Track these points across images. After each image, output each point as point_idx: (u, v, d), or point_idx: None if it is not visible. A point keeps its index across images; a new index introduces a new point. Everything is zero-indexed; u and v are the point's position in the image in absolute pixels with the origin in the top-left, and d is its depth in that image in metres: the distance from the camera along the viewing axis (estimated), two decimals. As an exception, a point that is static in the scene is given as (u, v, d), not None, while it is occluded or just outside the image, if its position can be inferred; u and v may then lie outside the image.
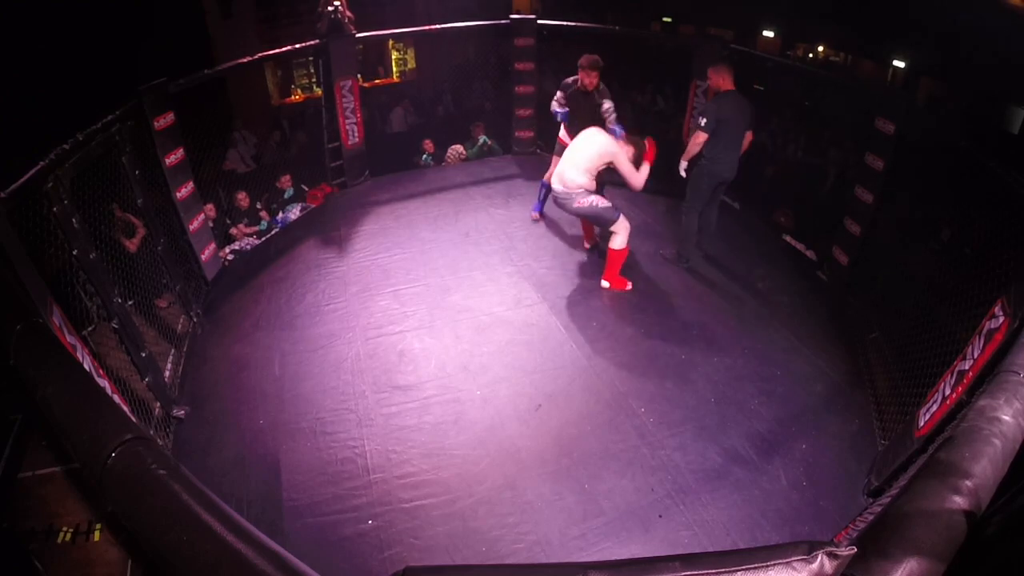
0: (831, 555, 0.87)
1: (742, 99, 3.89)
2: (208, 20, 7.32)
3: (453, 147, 6.18)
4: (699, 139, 3.87)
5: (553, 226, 4.82)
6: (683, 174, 4.09)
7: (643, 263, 4.36)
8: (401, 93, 8.71)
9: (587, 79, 4.15)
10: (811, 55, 10.24)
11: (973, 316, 2.58)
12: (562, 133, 4.55)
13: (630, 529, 2.55)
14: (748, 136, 4.00)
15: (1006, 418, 1.30)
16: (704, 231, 4.31)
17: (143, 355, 2.98)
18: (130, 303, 3.17)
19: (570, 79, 4.31)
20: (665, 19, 10.95)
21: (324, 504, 2.65)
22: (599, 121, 4.16)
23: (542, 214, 4.94)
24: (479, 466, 2.82)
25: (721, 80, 3.91)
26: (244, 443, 2.97)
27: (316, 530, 2.55)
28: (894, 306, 3.61)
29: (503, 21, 5.71)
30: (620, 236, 3.83)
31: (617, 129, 4.02)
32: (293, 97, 8.81)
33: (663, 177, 5.60)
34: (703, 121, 3.83)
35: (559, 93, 4.39)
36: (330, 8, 4.82)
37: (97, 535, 2.37)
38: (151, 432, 2.81)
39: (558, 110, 4.39)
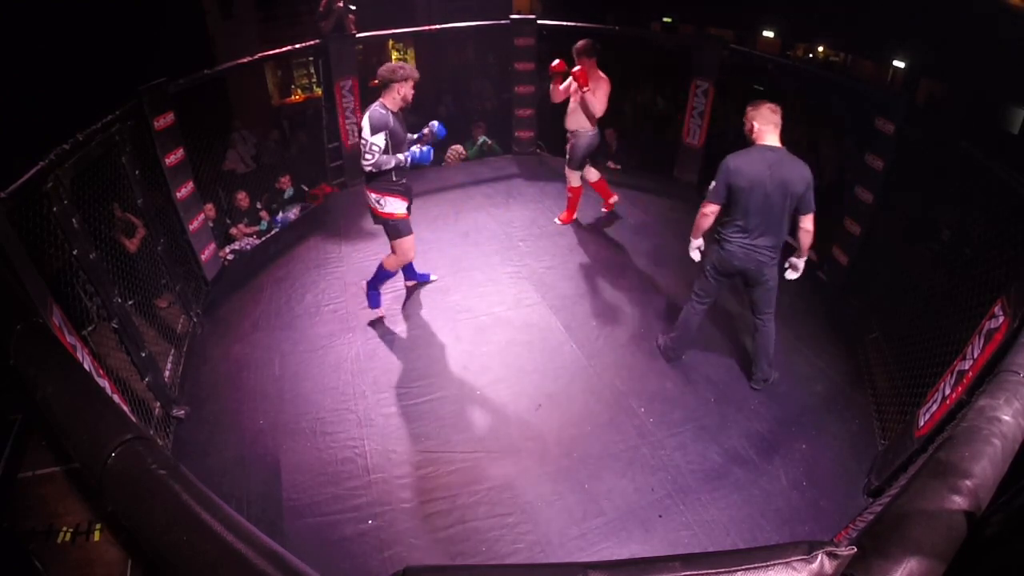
0: (831, 555, 0.87)
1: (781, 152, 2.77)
2: (208, 20, 7.33)
3: (453, 147, 6.18)
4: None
5: (553, 226, 4.82)
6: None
7: (643, 263, 4.35)
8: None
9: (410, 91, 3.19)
10: (811, 55, 10.25)
11: (973, 316, 2.58)
12: (393, 205, 3.36)
13: (630, 529, 2.55)
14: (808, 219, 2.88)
15: (1006, 418, 1.30)
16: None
17: (143, 355, 2.98)
18: (130, 303, 3.18)
19: (381, 109, 3.11)
20: (665, 19, 10.97)
21: (324, 504, 2.65)
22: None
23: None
24: (479, 466, 2.82)
25: (756, 122, 2.77)
26: (244, 443, 2.97)
27: (316, 530, 2.55)
28: (894, 306, 3.60)
29: (503, 21, 5.72)
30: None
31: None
32: (293, 97, 8.81)
33: (664, 175, 5.66)
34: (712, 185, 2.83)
35: (384, 137, 3.09)
36: (340, 4, 4.83)
37: (97, 535, 2.36)
38: (151, 432, 2.81)
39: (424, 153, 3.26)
